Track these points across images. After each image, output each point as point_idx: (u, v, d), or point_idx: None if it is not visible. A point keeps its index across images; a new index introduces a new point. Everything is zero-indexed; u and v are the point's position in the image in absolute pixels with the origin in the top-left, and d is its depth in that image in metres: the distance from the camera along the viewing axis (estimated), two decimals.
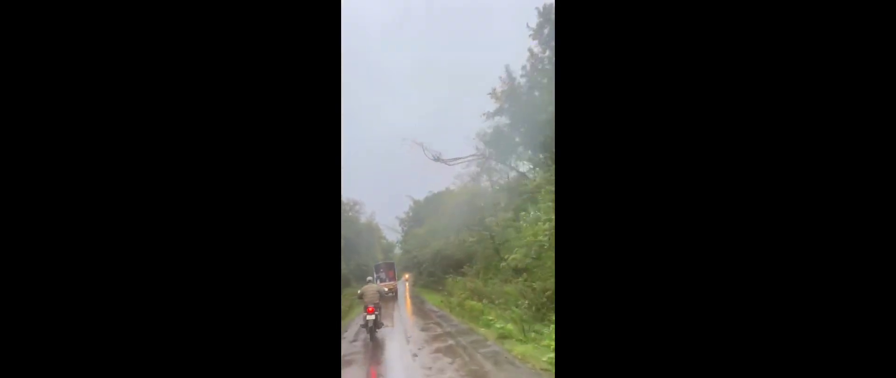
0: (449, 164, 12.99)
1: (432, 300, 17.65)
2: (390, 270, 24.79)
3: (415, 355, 6.86)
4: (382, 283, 20.22)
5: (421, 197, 40.63)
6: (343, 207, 28.87)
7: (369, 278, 10.35)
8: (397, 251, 49.24)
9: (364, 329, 7.88)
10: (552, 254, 7.22)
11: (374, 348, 7.57)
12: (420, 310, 14.73)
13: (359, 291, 8.53)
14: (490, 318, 8.44)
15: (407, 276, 37.96)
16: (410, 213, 42.89)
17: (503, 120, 12.82)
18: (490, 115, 12.88)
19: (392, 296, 20.57)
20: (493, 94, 12.23)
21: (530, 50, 14.89)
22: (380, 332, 8.37)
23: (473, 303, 10.79)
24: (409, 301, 20.14)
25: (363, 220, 39.13)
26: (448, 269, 21.03)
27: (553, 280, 6.29)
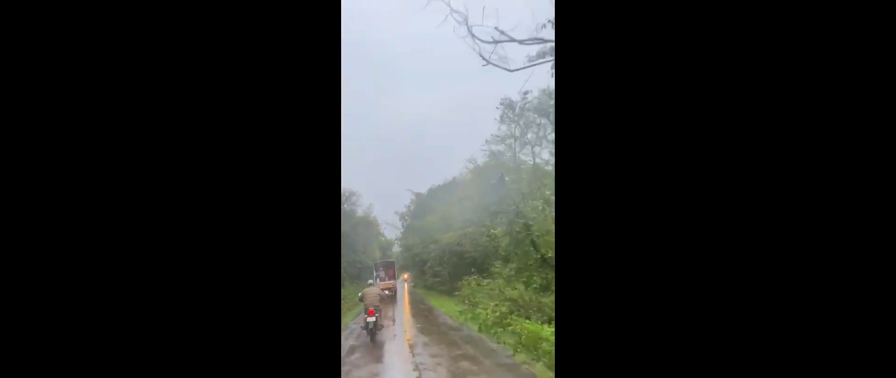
0: (522, 42, 8.07)
1: (445, 309, 13.58)
2: (390, 269, 23.69)
3: None
4: (381, 283, 19.85)
5: (423, 189, 36.56)
6: None
7: (370, 281, 10.16)
8: (396, 249, 45.10)
9: (365, 330, 7.99)
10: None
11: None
12: (432, 324, 10.63)
13: (360, 294, 8.53)
14: None
15: (406, 275, 34.00)
16: (411, 207, 38.76)
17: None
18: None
19: (391, 295, 20.38)
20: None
21: None
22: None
23: (531, 324, 6.67)
24: (408, 308, 16.05)
25: (360, 212, 35.00)
26: (464, 268, 17.04)
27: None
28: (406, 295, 24.56)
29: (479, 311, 9.32)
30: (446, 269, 19.62)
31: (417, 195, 36.10)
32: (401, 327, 10.57)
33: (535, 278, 10.16)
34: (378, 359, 6.84)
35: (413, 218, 37.23)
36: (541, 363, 5.38)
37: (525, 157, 20.69)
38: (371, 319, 7.74)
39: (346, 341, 8.53)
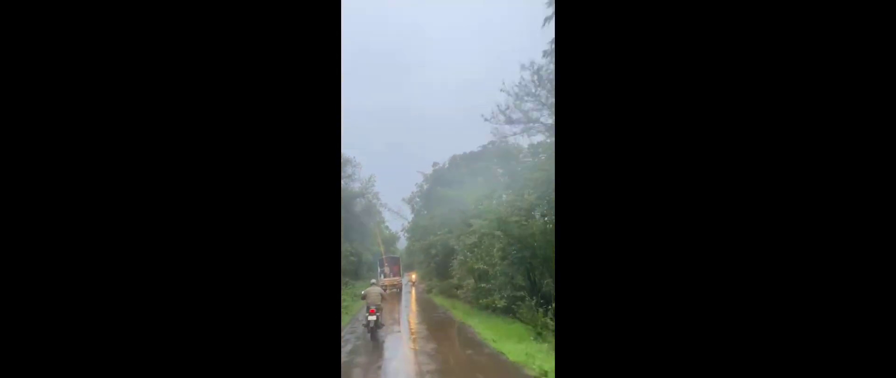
0: None
1: None
2: (395, 265, 21.86)
3: None
4: (386, 279, 19.22)
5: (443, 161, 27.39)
6: None
7: (373, 281, 9.79)
8: (401, 243, 35.85)
9: (365, 328, 7.91)
10: None
11: None
12: None
13: (362, 293, 8.69)
14: None
15: (413, 275, 25.03)
16: (424, 186, 29.62)
17: None
18: None
19: (397, 292, 19.68)
20: None
21: None
22: None
23: None
24: (414, 345, 6.88)
25: (357, 187, 25.93)
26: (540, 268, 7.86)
27: None
28: (414, 304, 15.43)
29: None
30: (501, 268, 10.44)
31: (434, 169, 26.94)
32: None
33: None
34: None
35: (425, 200, 28.09)
36: None
37: None
38: (372, 318, 7.71)
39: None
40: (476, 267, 11.53)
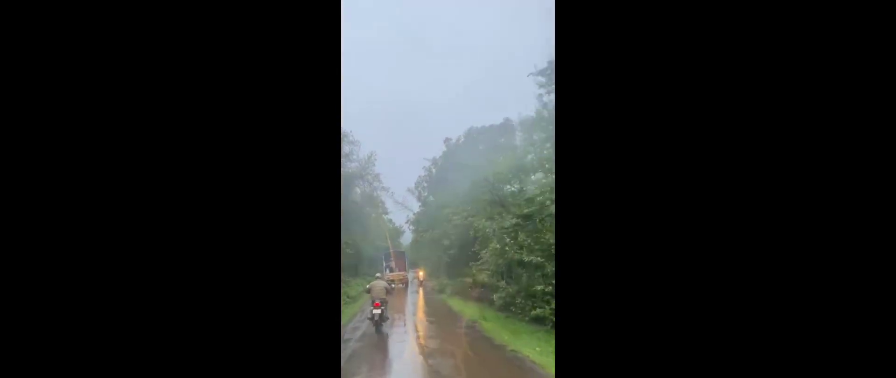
0: None
1: None
2: (401, 260, 20.53)
3: None
4: (391, 274, 18.89)
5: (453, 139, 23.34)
6: None
7: (378, 275, 10.02)
8: (406, 237, 31.94)
9: (370, 321, 8.14)
10: None
11: None
12: None
13: (367, 286, 8.80)
14: None
15: (420, 273, 21.28)
16: (433, 170, 25.74)
17: None
18: None
19: (403, 287, 19.12)
20: None
21: None
22: None
23: None
24: None
25: (354, 167, 22.01)
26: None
27: None
28: (422, 310, 11.61)
29: None
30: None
31: (447, 145, 23.02)
32: None
33: None
34: None
35: (435, 185, 24.24)
36: None
37: None
38: (376, 312, 8.05)
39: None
40: (526, 259, 7.60)
